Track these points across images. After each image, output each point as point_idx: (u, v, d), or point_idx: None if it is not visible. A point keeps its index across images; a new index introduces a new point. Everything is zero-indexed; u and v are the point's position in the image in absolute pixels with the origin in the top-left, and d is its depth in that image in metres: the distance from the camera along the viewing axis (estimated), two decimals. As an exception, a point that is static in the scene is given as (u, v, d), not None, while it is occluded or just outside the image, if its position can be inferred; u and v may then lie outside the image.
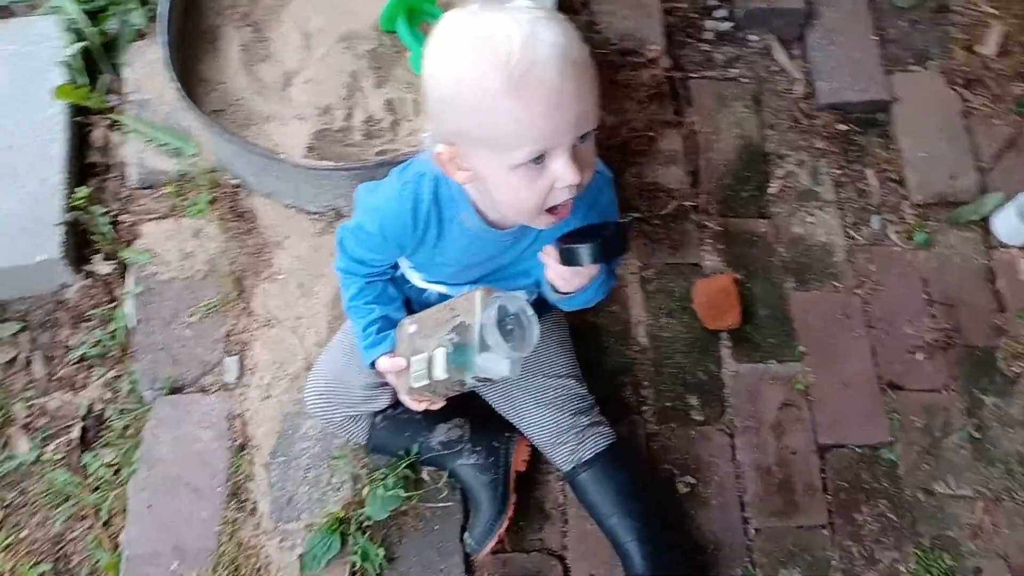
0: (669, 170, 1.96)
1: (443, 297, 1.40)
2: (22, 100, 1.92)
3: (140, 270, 1.81)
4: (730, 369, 1.77)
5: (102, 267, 1.84)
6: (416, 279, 1.42)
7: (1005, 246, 1.95)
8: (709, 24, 2.18)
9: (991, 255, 1.94)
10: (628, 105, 1.99)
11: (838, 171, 2.03)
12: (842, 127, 2.09)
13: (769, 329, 1.81)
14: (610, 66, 2.02)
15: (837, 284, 1.88)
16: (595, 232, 1.13)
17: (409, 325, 1.31)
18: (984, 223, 1.97)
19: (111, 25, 2.01)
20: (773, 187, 2.00)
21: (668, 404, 1.72)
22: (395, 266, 1.42)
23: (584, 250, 1.08)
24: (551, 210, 1.09)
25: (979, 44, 2.19)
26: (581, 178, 1.03)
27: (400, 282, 1.44)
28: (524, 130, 0.97)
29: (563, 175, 1.01)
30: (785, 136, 2.07)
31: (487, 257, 1.30)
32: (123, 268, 1.83)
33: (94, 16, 2.00)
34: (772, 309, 1.84)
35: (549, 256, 1.18)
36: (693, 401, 1.74)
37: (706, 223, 1.92)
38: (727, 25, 2.18)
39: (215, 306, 1.76)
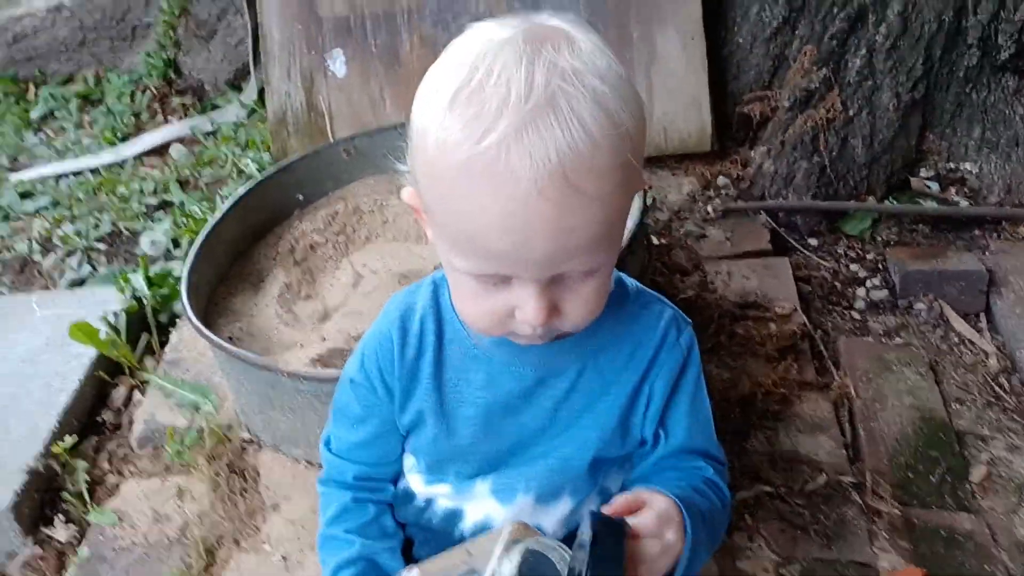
0: (815, 439, 1.41)
1: (449, 515, 0.91)
2: (54, 354, 1.73)
3: (99, 533, 1.39)
4: None
5: (61, 532, 1.44)
6: (417, 482, 0.93)
7: None
8: (859, 292, 1.76)
9: None
10: (750, 360, 1.52)
11: (1072, 460, 1.41)
12: (1065, 407, 1.50)
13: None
14: (725, 315, 1.60)
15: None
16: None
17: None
18: None
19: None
20: (976, 474, 1.39)
21: None
22: (396, 480, 0.95)
23: None
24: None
25: None
26: (552, 321, 0.71)
27: (401, 502, 0.95)
28: (472, 236, 0.66)
29: (525, 312, 0.70)
30: (982, 414, 1.50)
31: (503, 411, 0.83)
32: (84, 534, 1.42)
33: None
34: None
35: None
36: None
37: (879, 508, 1.30)
38: (882, 293, 1.75)
39: (168, 582, 1.28)
